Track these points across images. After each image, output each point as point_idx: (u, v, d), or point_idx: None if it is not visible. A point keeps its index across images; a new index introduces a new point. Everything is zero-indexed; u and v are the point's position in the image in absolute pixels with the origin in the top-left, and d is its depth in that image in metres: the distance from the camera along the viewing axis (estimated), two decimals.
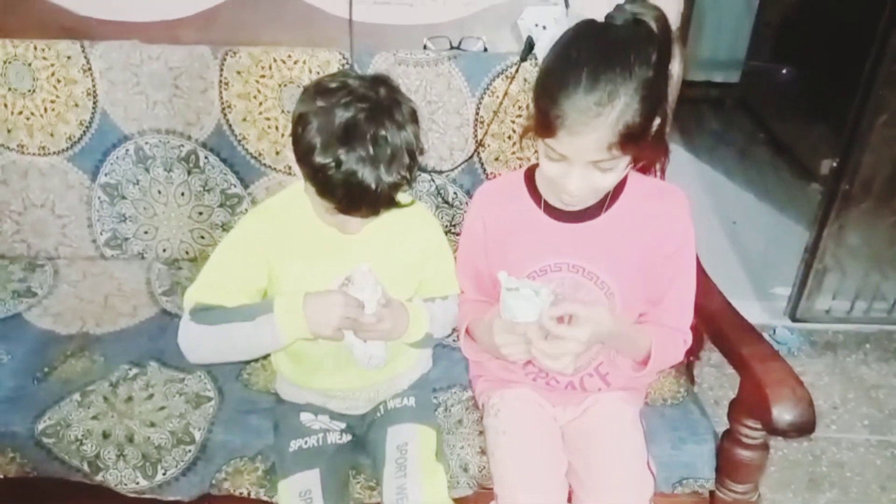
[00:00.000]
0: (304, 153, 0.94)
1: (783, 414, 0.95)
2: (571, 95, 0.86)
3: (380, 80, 0.98)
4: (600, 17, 0.94)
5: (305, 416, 1.14)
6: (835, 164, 2.02)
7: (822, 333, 2.10)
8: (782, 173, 2.86)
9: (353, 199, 0.94)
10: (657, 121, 0.92)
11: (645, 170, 1.08)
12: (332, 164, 0.91)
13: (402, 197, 1.00)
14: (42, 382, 1.21)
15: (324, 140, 0.92)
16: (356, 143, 0.91)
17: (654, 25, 0.89)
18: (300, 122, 0.95)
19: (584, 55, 0.87)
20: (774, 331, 2.08)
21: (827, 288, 2.12)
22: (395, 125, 0.94)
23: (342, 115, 0.92)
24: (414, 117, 0.98)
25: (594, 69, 0.86)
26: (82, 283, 1.47)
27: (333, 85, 0.95)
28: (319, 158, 0.92)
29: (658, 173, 1.13)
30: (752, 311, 2.09)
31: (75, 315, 1.38)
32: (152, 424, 1.14)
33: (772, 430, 0.97)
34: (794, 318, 2.15)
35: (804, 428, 0.95)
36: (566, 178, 0.93)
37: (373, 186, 0.92)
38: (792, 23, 3.19)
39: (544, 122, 0.89)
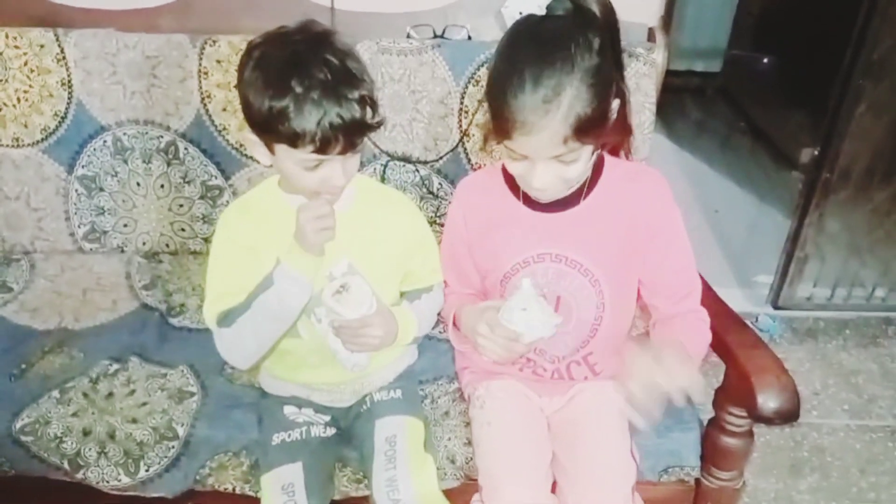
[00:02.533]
0: (259, 111, 0.91)
1: (768, 401, 0.95)
2: (518, 96, 0.86)
3: (309, 21, 0.96)
4: None
5: (289, 409, 1.13)
6: (815, 153, 2.04)
7: (803, 321, 2.12)
8: (763, 162, 2.88)
9: (326, 128, 0.90)
10: (616, 103, 0.93)
11: (614, 152, 1.08)
12: (290, 101, 0.88)
13: (375, 120, 0.96)
14: (19, 379, 1.18)
15: (273, 82, 0.89)
16: (305, 71, 0.89)
17: (596, 10, 0.89)
18: (244, 86, 0.93)
19: (525, 54, 0.88)
20: (757, 318, 2.10)
21: (808, 275, 2.14)
22: (340, 51, 0.93)
23: (280, 55, 0.91)
24: (354, 51, 0.96)
25: (536, 67, 0.86)
26: (60, 277, 1.45)
27: (260, 39, 0.94)
28: (276, 102, 0.89)
29: (626, 154, 1.13)
30: (735, 299, 2.10)
31: (53, 310, 1.35)
32: (134, 420, 1.12)
33: (757, 417, 0.98)
34: (776, 306, 2.18)
35: (789, 415, 0.95)
36: (531, 175, 0.93)
37: (339, 106, 0.89)
38: (772, 13, 3.21)
39: (499, 125, 0.90)
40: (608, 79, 0.90)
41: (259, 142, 0.96)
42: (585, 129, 0.87)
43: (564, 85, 0.85)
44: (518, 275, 1.04)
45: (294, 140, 0.91)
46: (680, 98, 3.41)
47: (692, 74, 3.55)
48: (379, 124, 0.97)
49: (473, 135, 1.41)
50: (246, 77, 0.93)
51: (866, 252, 2.13)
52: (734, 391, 1.04)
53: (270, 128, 0.92)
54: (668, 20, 1.55)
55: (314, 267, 0.99)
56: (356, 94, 0.92)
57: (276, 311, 1.00)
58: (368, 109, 0.93)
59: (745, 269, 2.28)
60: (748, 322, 1.90)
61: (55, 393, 1.15)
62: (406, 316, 1.09)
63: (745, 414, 1.03)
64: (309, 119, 0.89)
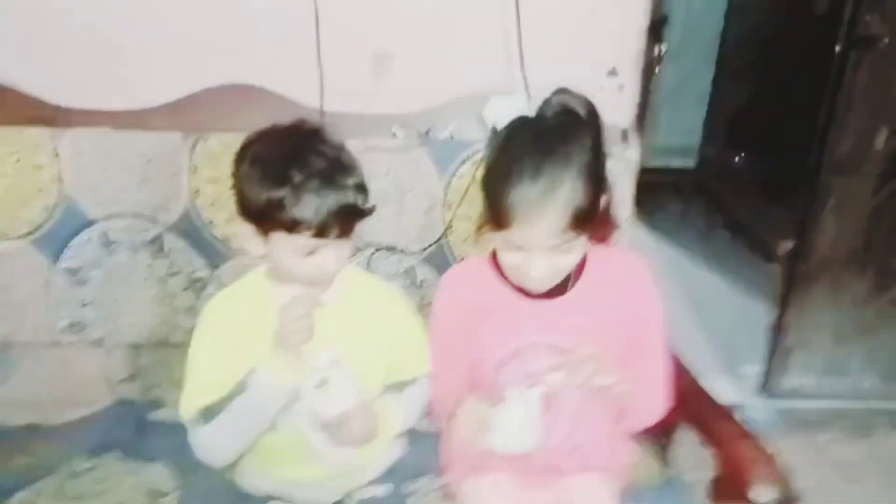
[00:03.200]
0: (257, 202, 0.94)
1: (761, 494, 0.93)
2: (518, 188, 0.90)
3: (300, 120, 1.01)
4: None
5: None
6: (792, 246, 2.10)
7: (793, 412, 2.09)
8: (743, 253, 2.93)
9: (324, 215, 0.93)
10: (604, 198, 0.97)
11: (592, 237, 1.11)
12: (289, 190, 0.91)
13: (368, 206, 1.00)
14: None
15: (271, 174, 0.93)
16: (303, 161, 0.93)
17: (582, 112, 0.95)
18: (240, 180, 0.96)
19: (524, 149, 0.92)
20: (744, 409, 2.07)
21: (794, 365, 2.14)
22: (332, 144, 0.98)
23: (277, 148, 0.95)
24: (344, 144, 1.01)
25: (536, 160, 0.91)
26: (37, 370, 1.41)
27: (255, 136, 0.99)
28: (275, 192, 0.92)
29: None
30: (722, 390, 2.08)
31: (26, 405, 1.31)
32: None
33: None
34: (764, 396, 2.16)
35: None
36: (528, 266, 0.96)
37: (336, 193, 0.93)
38: (742, 112, 3.39)
39: (497, 216, 0.93)
40: (600, 174, 0.95)
41: (253, 232, 0.98)
42: (581, 219, 0.91)
43: (563, 177, 0.90)
44: (512, 365, 1.03)
45: (292, 227, 0.93)
46: (658, 193, 3.51)
47: (669, 171, 3.69)
48: (371, 210, 1.01)
49: (457, 227, 1.44)
50: (242, 172, 0.97)
51: (851, 341, 2.15)
52: (727, 484, 1.01)
53: (268, 217, 0.94)
54: (641, 120, 1.63)
55: (289, 373, 0.98)
56: (351, 182, 0.96)
57: (250, 416, 0.99)
58: (362, 196, 0.98)
59: (731, 359, 2.27)
60: (737, 414, 1.87)
61: (22, 494, 1.10)
62: (390, 410, 1.07)
63: None
64: (308, 207, 0.92)
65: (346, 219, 0.96)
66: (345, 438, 1.00)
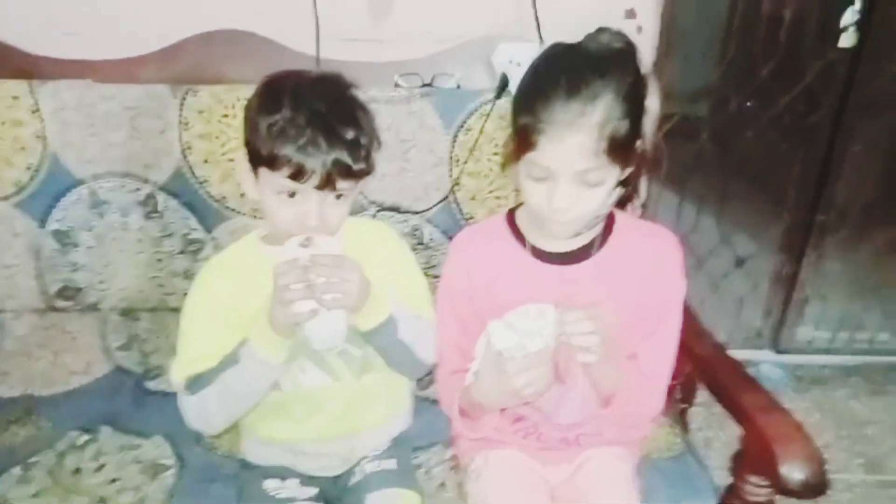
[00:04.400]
0: (252, 128, 0.91)
1: (793, 472, 0.88)
2: (553, 101, 0.83)
3: (336, 72, 0.98)
4: None
5: (270, 483, 1.04)
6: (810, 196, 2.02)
7: (807, 368, 2.06)
8: (759, 202, 2.85)
9: (304, 155, 0.87)
10: (639, 142, 0.89)
11: (622, 205, 1.03)
12: (278, 120, 0.88)
13: (358, 168, 0.92)
14: None
15: (269, 101, 0.90)
16: (302, 97, 0.90)
17: (625, 49, 0.88)
18: (249, 107, 0.94)
19: (562, 65, 0.87)
20: (759, 367, 2.04)
21: (808, 318, 2.10)
22: (352, 98, 0.95)
23: (288, 82, 0.92)
24: (369, 107, 0.97)
25: (574, 75, 0.84)
26: (30, 338, 1.37)
27: (278, 73, 0.95)
28: (265, 119, 0.89)
29: (635, 209, 1.08)
30: (734, 344, 2.05)
31: (21, 374, 1.27)
32: (102, 500, 1.03)
33: (781, 490, 0.90)
34: (776, 350, 2.12)
35: (817, 488, 0.88)
36: (553, 195, 0.87)
37: (325, 140, 0.88)
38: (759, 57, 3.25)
39: (525, 137, 0.85)
40: (641, 101, 0.88)
41: (249, 169, 0.94)
42: (617, 145, 0.84)
43: (601, 93, 0.83)
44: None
45: (272, 161, 0.89)
46: (671, 141, 3.41)
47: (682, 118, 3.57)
48: (363, 174, 0.94)
49: (465, 184, 1.36)
50: (251, 99, 0.94)
51: (869, 294, 2.09)
52: (754, 459, 0.96)
53: (254, 147, 0.91)
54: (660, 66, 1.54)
55: (284, 349, 0.93)
56: (348, 135, 0.90)
57: (242, 390, 0.95)
58: (354, 153, 0.90)
59: (743, 313, 2.22)
60: (751, 371, 1.84)
61: (17, 470, 1.06)
62: (382, 288, 0.98)
63: (766, 483, 0.95)
64: (289, 142, 0.88)
65: (328, 169, 0.89)
66: (340, 288, 0.89)
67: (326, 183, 0.90)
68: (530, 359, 0.87)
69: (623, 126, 0.84)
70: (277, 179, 0.90)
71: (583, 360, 0.89)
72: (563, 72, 0.85)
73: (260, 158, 0.90)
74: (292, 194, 0.91)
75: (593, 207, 0.90)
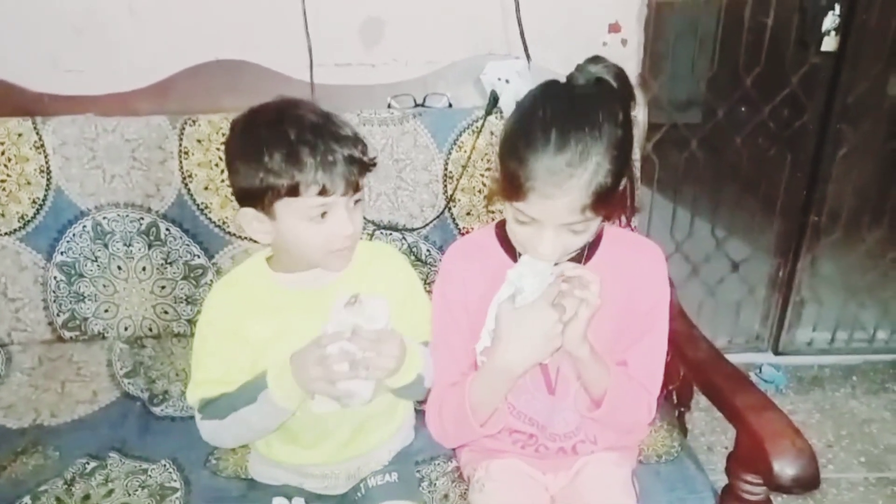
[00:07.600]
0: (256, 174, 0.89)
1: (785, 469, 0.89)
2: (541, 156, 0.82)
3: (285, 97, 0.97)
4: (562, 70, 0.92)
5: (277, 502, 1.06)
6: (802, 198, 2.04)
7: (807, 369, 2.07)
8: (752, 206, 2.87)
9: (326, 166, 0.88)
10: (625, 180, 0.90)
11: (608, 218, 1.05)
12: (287, 148, 0.88)
13: (369, 157, 0.95)
14: None
15: (265, 139, 0.89)
16: (294, 119, 0.90)
17: (614, 84, 0.88)
18: (234, 158, 0.93)
19: (551, 114, 0.84)
20: (760, 369, 2.05)
21: (806, 320, 2.11)
22: (320, 108, 0.95)
23: (265, 118, 0.92)
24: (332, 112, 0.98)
25: (563, 128, 0.83)
26: (37, 369, 1.39)
27: (241, 115, 0.96)
28: (273, 152, 0.88)
29: (624, 223, 1.10)
30: (734, 349, 2.06)
31: (28, 406, 1.29)
32: None
33: (775, 486, 0.92)
34: (776, 352, 2.13)
35: (808, 483, 0.89)
36: (538, 241, 0.89)
37: (335, 142, 0.89)
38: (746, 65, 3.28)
39: (513, 186, 0.85)
40: (628, 152, 0.88)
41: (256, 214, 0.94)
42: (602, 199, 0.84)
43: (591, 151, 0.82)
44: None
45: (296, 189, 0.89)
46: (661, 148, 3.43)
47: (674, 126, 3.59)
48: (373, 162, 0.96)
49: (459, 200, 1.39)
50: (233, 149, 0.93)
51: (864, 294, 2.11)
52: (747, 457, 0.98)
53: (268, 186, 0.89)
54: (646, 77, 1.57)
55: (302, 399, 0.96)
56: (347, 132, 0.93)
57: (257, 426, 1.00)
58: (361, 145, 0.94)
59: (742, 317, 2.24)
60: (752, 374, 1.85)
61: (27, 499, 1.08)
62: (412, 345, 1.00)
63: (760, 481, 0.97)
64: (308, 160, 0.88)
65: (349, 170, 0.90)
66: (378, 363, 0.93)
67: (350, 185, 0.91)
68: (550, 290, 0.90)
69: (610, 180, 0.84)
70: (304, 205, 0.90)
71: (582, 314, 0.90)
72: (552, 122, 0.83)
73: (276, 195, 0.89)
74: (323, 214, 0.92)
75: (576, 246, 0.92)
